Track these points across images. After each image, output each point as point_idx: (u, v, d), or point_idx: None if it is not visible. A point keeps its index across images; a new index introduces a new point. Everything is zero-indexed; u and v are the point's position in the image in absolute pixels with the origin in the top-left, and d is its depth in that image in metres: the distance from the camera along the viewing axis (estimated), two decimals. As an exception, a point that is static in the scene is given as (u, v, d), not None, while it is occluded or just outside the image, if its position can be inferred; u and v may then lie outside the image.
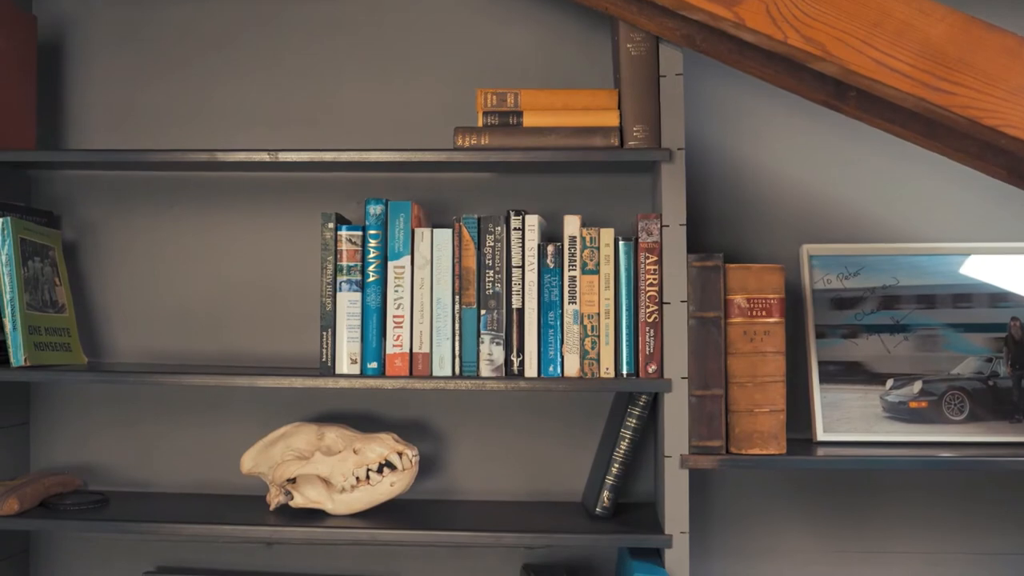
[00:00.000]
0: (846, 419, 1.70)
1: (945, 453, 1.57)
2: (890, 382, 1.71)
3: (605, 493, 1.64)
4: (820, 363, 1.72)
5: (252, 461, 1.72)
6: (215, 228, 1.88)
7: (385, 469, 1.67)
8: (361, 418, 1.84)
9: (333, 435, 1.69)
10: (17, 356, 1.64)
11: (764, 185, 1.82)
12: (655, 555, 1.63)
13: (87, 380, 1.63)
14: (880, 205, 1.81)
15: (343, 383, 1.60)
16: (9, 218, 1.66)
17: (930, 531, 1.79)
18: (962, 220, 1.80)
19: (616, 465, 1.63)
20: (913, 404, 1.70)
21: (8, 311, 1.65)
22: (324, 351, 1.62)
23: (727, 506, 1.81)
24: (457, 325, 1.61)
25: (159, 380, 1.62)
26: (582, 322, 1.59)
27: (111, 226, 1.89)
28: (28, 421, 1.89)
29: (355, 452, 1.67)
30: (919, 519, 1.80)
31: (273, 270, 1.87)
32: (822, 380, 1.71)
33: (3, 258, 1.65)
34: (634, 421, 1.63)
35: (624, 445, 1.63)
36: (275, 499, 1.70)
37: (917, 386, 1.71)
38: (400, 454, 1.67)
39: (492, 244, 1.61)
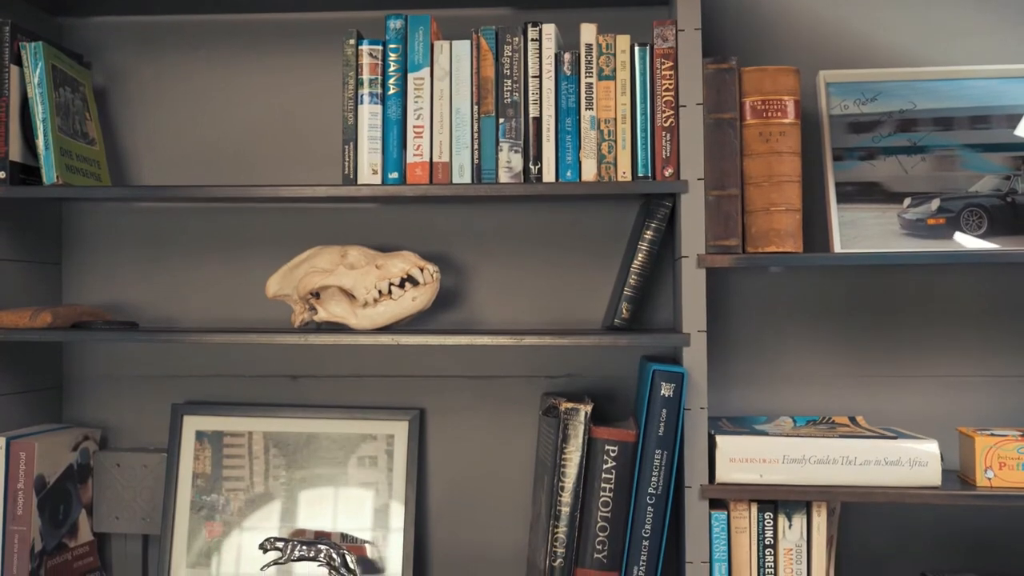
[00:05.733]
0: (864, 236, 1.70)
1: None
2: (907, 201, 1.71)
3: (623, 304, 1.66)
4: (837, 184, 1.73)
5: (277, 284, 1.75)
6: (241, 73, 1.92)
7: (407, 284, 1.70)
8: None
9: (355, 253, 1.73)
10: (49, 174, 1.69)
11: (779, 10, 1.83)
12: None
13: (116, 196, 1.67)
14: (896, 31, 1.82)
15: (365, 191, 1.63)
16: (41, 43, 1.71)
17: (949, 354, 1.80)
18: (980, 44, 1.80)
19: (634, 276, 1.65)
20: (931, 221, 1.70)
21: (40, 130, 1.69)
22: (346, 163, 1.66)
23: (744, 323, 1.82)
24: (476, 134, 1.63)
25: (185, 193, 1.67)
26: (599, 127, 1.61)
27: (140, 73, 1.93)
28: (60, 261, 1.93)
29: (377, 267, 1.70)
30: (938, 342, 1.80)
31: (297, 112, 1.90)
32: (839, 201, 1.72)
33: (35, 79, 1.70)
34: (651, 233, 1.65)
35: (641, 257, 1.65)
36: (299, 316, 1.73)
37: (935, 204, 1.71)
38: (421, 269, 1.70)
39: (510, 54, 1.63)
